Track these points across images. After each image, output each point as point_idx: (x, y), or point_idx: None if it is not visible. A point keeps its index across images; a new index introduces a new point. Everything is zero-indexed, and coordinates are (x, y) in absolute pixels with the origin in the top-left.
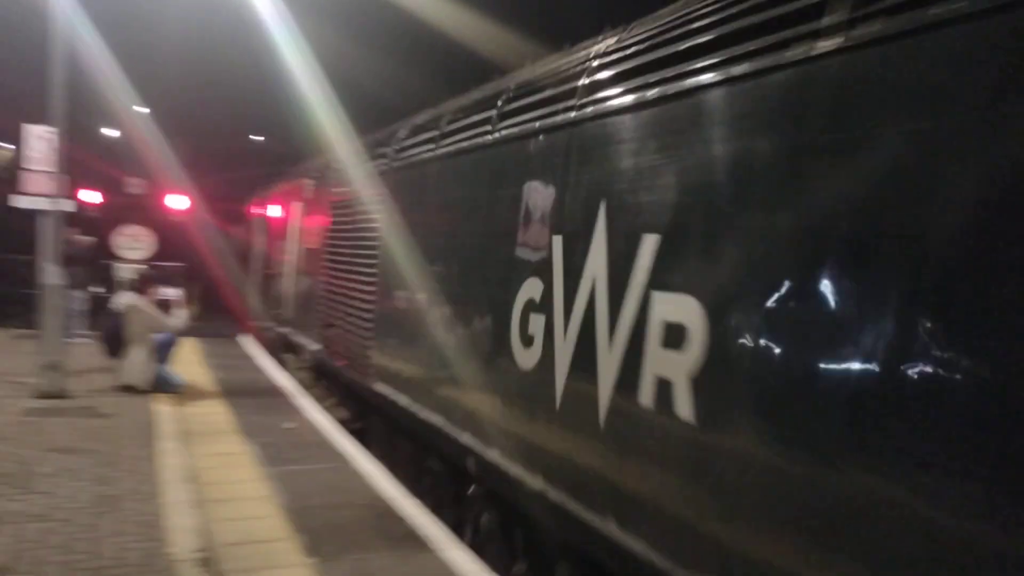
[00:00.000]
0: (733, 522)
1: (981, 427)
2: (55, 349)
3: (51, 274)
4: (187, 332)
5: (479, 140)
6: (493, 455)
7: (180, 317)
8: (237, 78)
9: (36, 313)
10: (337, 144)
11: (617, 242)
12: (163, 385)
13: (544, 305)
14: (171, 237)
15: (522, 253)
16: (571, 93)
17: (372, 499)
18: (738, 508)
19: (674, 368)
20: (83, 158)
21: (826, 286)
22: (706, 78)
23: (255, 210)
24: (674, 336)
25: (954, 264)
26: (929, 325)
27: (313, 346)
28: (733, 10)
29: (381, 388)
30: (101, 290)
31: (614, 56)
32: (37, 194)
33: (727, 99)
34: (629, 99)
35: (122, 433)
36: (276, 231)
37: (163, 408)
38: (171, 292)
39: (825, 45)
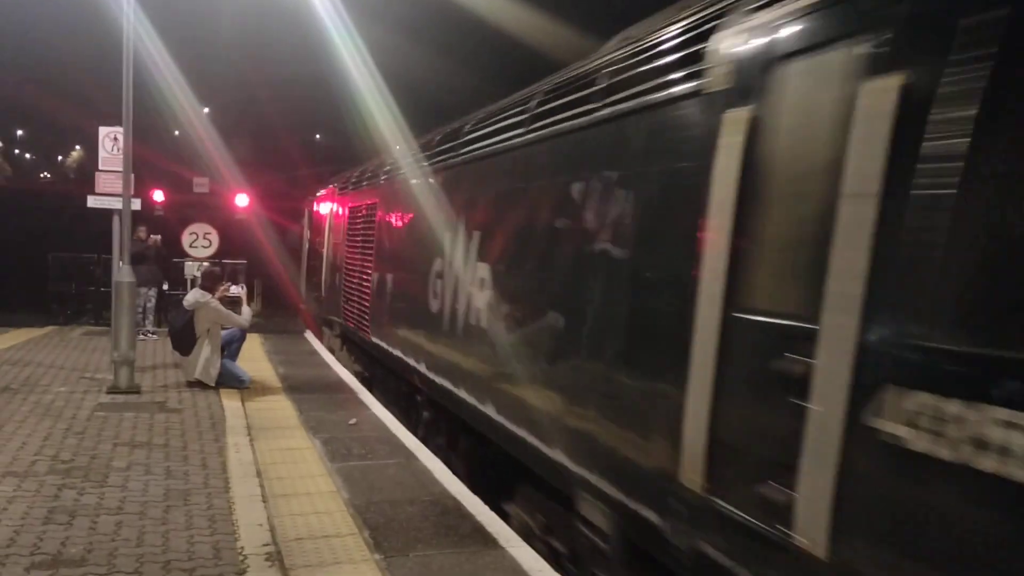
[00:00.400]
0: (509, 381)
1: (640, 346)
2: (127, 345)
3: (122, 272)
4: (252, 328)
5: (418, 172)
6: (423, 370)
7: (246, 314)
8: (296, 79)
9: (107, 310)
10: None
11: (465, 236)
12: (230, 381)
13: (439, 273)
14: (235, 235)
15: (432, 245)
16: (450, 150)
17: (437, 495)
18: (505, 374)
19: (482, 300)
20: (150, 158)
21: (557, 262)
22: (511, 143)
23: (306, 208)
24: (482, 283)
25: (625, 255)
26: (620, 290)
27: (339, 319)
28: (531, 104)
29: (375, 340)
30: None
31: (474, 130)
32: (108, 194)
33: (514, 156)
34: (475, 154)
35: (191, 428)
36: (317, 227)
37: (230, 403)
38: (236, 289)
39: (573, 123)
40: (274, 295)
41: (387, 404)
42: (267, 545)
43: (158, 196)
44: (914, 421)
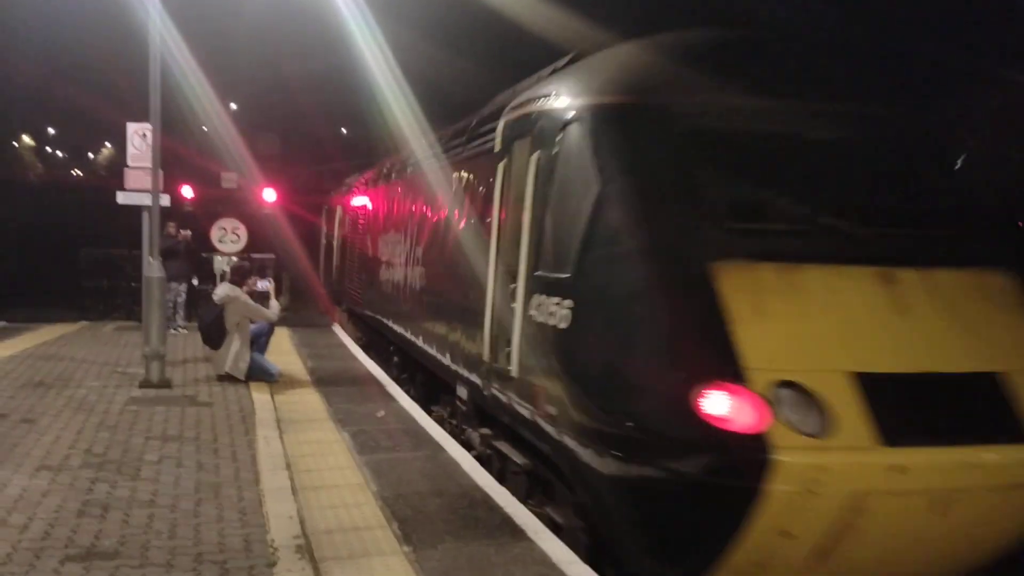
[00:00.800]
0: (400, 308)
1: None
2: (157, 340)
3: (152, 267)
4: (280, 322)
5: (368, 190)
6: (389, 323)
7: (274, 308)
8: (320, 74)
9: (138, 305)
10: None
11: (395, 234)
12: (259, 374)
13: (390, 252)
14: (262, 229)
15: (383, 240)
16: (384, 175)
17: (465, 488)
18: (411, 310)
19: (403, 273)
20: (179, 153)
21: (434, 246)
22: (407, 173)
23: (324, 206)
24: (395, 257)
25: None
26: (458, 259)
27: (345, 298)
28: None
29: (366, 311)
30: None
31: (399, 163)
32: (138, 190)
33: (405, 183)
34: (395, 179)
35: (221, 421)
36: (329, 224)
37: (259, 397)
38: (263, 283)
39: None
40: (302, 289)
41: (377, 359)
42: (297, 537)
43: (187, 192)
44: (536, 307)
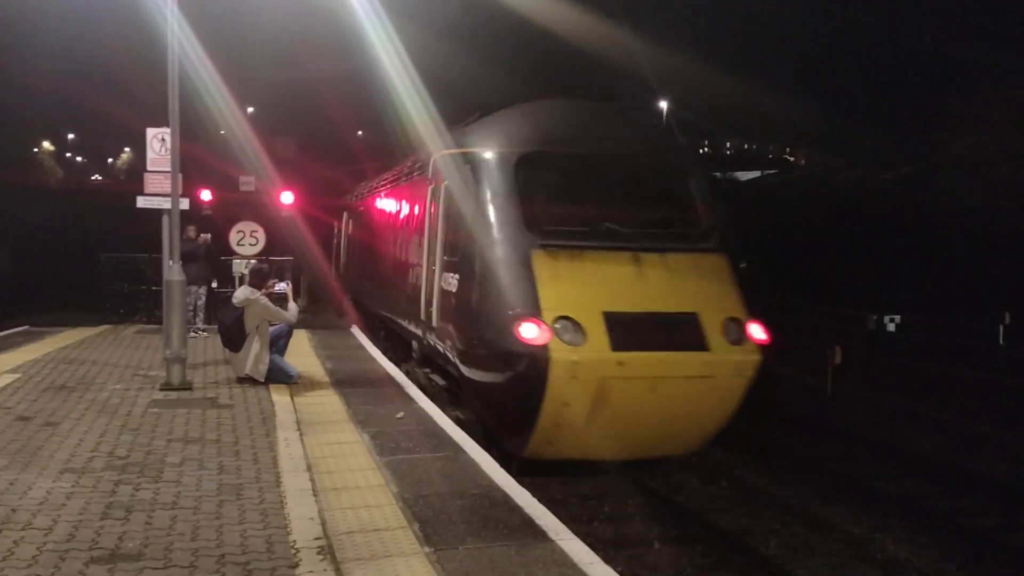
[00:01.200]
0: (381, 291)
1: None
2: (178, 343)
3: (172, 271)
4: (299, 324)
5: (362, 199)
6: (376, 304)
7: (293, 310)
8: (336, 77)
9: (159, 309)
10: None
11: (371, 231)
12: (279, 376)
13: (370, 250)
14: (280, 232)
15: (369, 237)
16: (365, 191)
17: (486, 488)
18: (379, 288)
19: (373, 259)
20: (197, 157)
21: (389, 243)
22: (375, 192)
23: (338, 205)
24: (373, 254)
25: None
26: (406, 252)
27: (350, 289)
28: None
29: (362, 298)
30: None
31: (374, 183)
32: (157, 194)
33: (382, 198)
34: (368, 195)
35: (242, 423)
36: (338, 227)
37: (279, 399)
38: (281, 286)
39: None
40: (320, 291)
41: (373, 338)
42: (319, 539)
43: (205, 195)
44: (445, 281)
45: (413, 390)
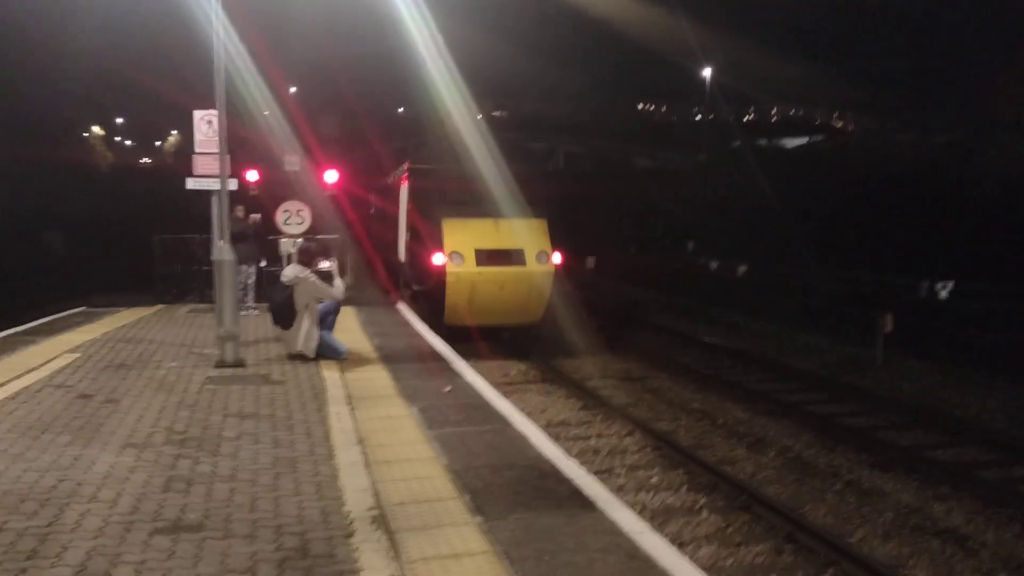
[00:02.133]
0: (386, 244)
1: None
2: (230, 321)
3: (222, 251)
4: (346, 301)
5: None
6: (384, 252)
7: (340, 286)
8: (374, 55)
9: (210, 288)
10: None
11: (380, 207)
12: (328, 352)
13: (383, 217)
14: (326, 210)
15: (385, 209)
16: (385, 181)
17: (534, 460)
18: (385, 241)
19: (380, 224)
20: (243, 137)
21: (385, 215)
22: (386, 183)
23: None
24: (376, 216)
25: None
26: (396, 221)
27: (374, 239)
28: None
29: (379, 251)
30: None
31: (387, 176)
32: (206, 175)
33: (389, 186)
34: (384, 183)
35: (294, 399)
36: (376, 198)
37: (329, 374)
38: (326, 263)
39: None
40: (366, 268)
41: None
42: (372, 509)
43: (252, 176)
44: (406, 237)
45: (460, 364)
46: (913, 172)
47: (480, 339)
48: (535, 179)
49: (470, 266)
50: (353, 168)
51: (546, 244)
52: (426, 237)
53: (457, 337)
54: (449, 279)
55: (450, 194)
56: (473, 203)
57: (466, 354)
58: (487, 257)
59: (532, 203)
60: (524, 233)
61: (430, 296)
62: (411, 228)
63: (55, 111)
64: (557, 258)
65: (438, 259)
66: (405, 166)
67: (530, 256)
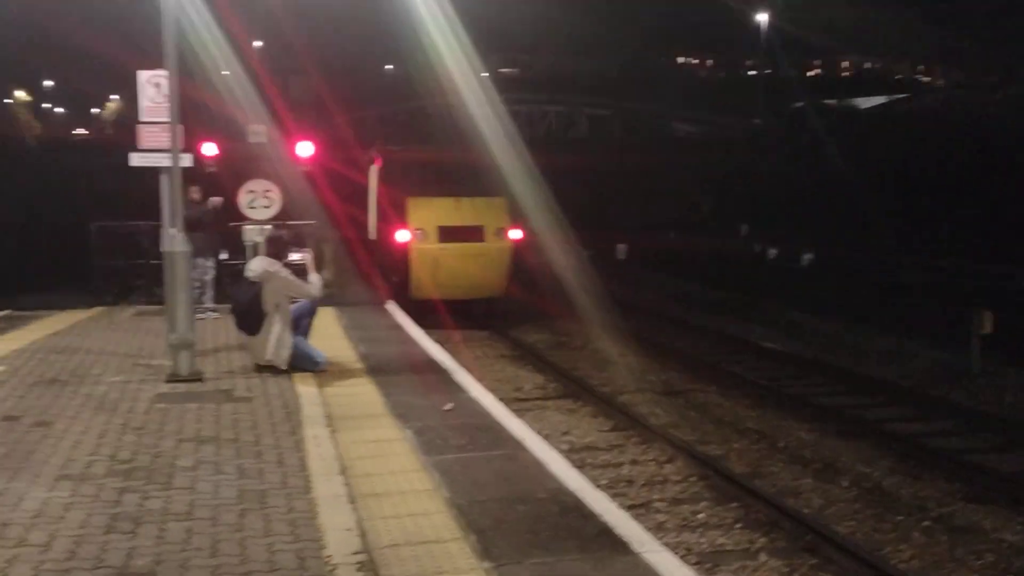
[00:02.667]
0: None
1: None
2: (184, 326)
3: (174, 240)
4: (325, 301)
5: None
6: (359, 229)
7: (316, 282)
8: (357, 6)
9: (160, 286)
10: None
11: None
12: (303, 362)
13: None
14: (298, 190)
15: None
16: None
17: (552, 492)
18: (359, 216)
19: (362, 205)
20: (199, 103)
21: (357, 191)
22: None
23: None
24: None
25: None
26: (365, 198)
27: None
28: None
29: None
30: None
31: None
32: (154, 149)
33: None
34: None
35: (263, 419)
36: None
37: (305, 390)
38: (303, 254)
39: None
40: (348, 260)
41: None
42: (358, 553)
43: (209, 149)
44: (374, 214)
45: (463, 376)
46: (1016, 139)
47: (472, 342)
48: (492, 166)
49: (433, 242)
50: (331, 139)
51: (504, 221)
52: (393, 215)
53: (426, 317)
54: (413, 255)
55: (415, 174)
56: (437, 183)
57: (469, 364)
58: (450, 233)
59: (490, 185)
60: (484, 211)
61: (395, 270)
62: (379, 207)
63: None
64: (516, 234)
65: (403, 236)
66: (374, 150)
67: (488, 232)
